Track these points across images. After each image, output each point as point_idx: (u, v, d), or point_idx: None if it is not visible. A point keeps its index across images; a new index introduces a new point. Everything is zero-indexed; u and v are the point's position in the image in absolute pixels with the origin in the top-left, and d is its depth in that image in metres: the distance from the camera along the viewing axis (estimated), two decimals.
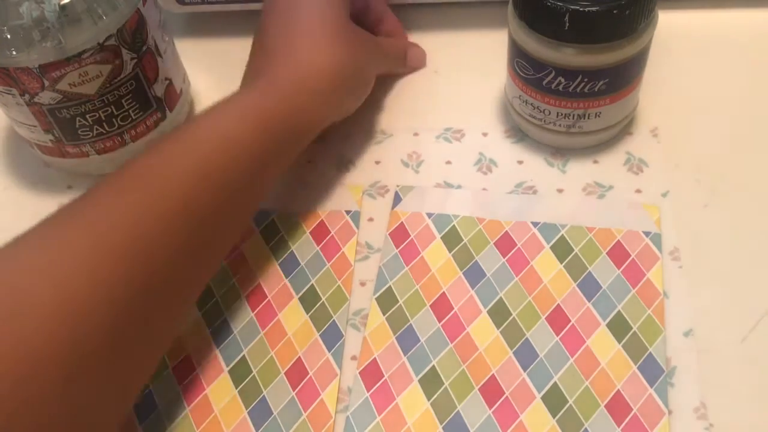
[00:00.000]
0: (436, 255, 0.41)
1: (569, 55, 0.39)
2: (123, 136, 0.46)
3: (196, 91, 0.52)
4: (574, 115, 0.42)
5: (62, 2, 0.39)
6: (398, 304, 0.40)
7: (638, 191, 0.43)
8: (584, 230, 0.41)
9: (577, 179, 0.44)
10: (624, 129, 0.45)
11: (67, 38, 0.40)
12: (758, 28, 0.51)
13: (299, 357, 0.38)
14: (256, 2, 0.54)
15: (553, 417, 0.35)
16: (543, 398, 0.36)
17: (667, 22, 0.45)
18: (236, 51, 0.55)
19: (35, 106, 0.42)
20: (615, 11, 0.37)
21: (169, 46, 0.47)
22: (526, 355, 0.37)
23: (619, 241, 0.40)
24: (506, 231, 0.42)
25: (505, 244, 0.41)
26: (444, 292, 0.40)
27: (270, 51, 0.43)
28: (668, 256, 0.40)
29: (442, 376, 0.37)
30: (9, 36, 0.39)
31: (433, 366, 0.37)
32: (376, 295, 0.40)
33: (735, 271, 0.39)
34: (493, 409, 0.36)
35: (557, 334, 0.38)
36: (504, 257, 0.41)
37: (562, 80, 0.41)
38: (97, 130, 0.44)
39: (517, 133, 0.47)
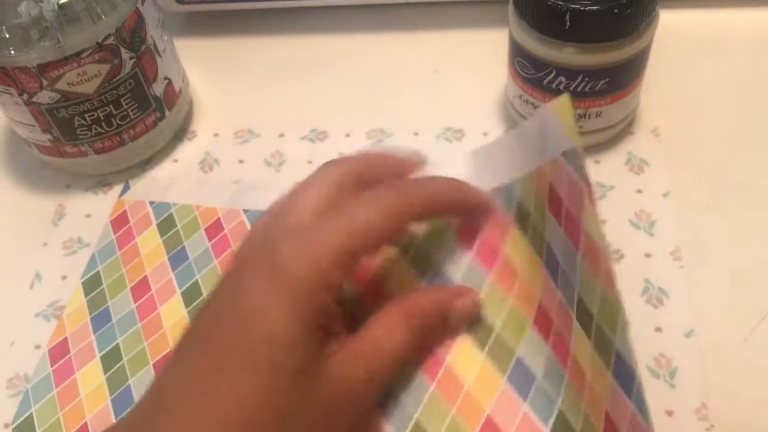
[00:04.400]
0: (148, 241, 0.43)
1: (570, 55, 0.39)
2: (122, 136, 0.45)
3: (195, 90, 0.52)
4: (574, 115, 0.42)
5: (61, 1, 0.39)
6: (101, 287, 0.41)
7: (639, 191, 0.43)
8: None
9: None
10: (625, 129, 0.45)
11: (66, 37, 0.40)
12: (758, 28, 0.51)
13: None
14: (254, 1, 0.54)
15: None
16: None
17: (668, 21, 0.45)
18: (235, 50, 0.55)
19: (34, 106, 0.42)
20: (616, 10, 0.37)
21: (168, 45, 0.47)
22: None
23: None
24: (219, 217, 0.43)
25: (214, 230, 0.43)
26: (146, 275, 0.41)
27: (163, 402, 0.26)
28: (669, 256, 0.40)
29: (123, 352, 0.39)
30: (7, 35, 0.39)
31: (117, 343, 0.39)
32: (83, 279, 0.42)
33: (736, 271, 0.39)
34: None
35: None
36: (210, 242, 0.42)
37: (563, 80, 0.40)
38: (95, 129, 0.44)
39: None
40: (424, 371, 0.31)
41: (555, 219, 0.30)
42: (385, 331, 0.29)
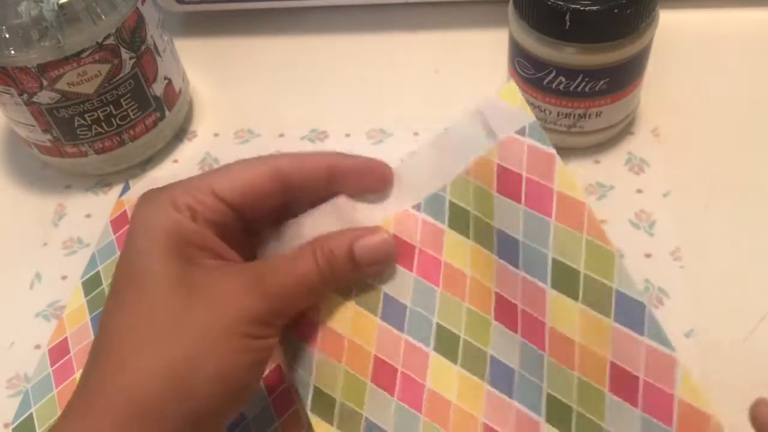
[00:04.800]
0: None
1: (570, 55, 0.39)
2: (122, 136, 0.45)
3: (195, 90, 0.52)
4: (574, 115, 0.42)
5: (61, 1, 0.39)
6: (101, 287, 0.41)
7: (639, 191, 0.43)
8: None
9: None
10: (625, 129, 0.45)
11: (66, 37, 0.40)
12: (758, 28, 0.51)
13: None
14: (254, 1, 0.54)
15: None
16: None
17: (668, 21, 0.45)
18: (235, 49, 0.55)
19: (34, 106, 0.42)
20: (616, 10, 0.37)
21: (168, 45, 0.47)
22: None
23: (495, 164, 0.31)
24: None
25: None
26: None
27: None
28: (669, 256, 0.40)
29: None
30: (7, 35, 0.39)
31: None
32: (84, 279, 0.42)
33: (736, 270, 0.39)
34: None
35: None
36: None
37: (563, 80, 0.40)
38: (95, 129, 0.44)
39: None
40: (410, 403, 0.30)
41: (510, 198, 0.29)
42: (289, 258, 0.30)
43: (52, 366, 0.39)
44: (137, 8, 0.42)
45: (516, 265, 0.29)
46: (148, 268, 0.27)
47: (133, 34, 0.43)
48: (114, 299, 0.28)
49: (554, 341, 0.28)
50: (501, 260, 0.30)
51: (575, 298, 0.28)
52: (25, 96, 0.42)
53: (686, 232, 0.41)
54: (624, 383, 0.27)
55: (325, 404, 0.31)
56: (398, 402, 0.30)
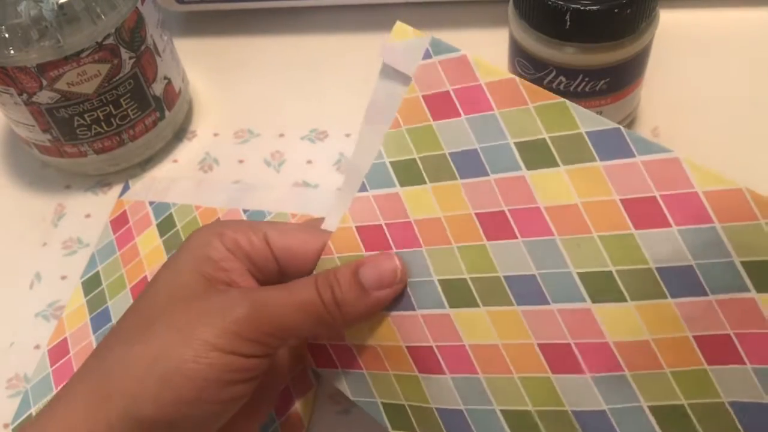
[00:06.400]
0: (148, 241, 0.43)
1: (570, 55, 0.39)
2: (121, 136, 0.45)
3: (194, 90, 0.52)
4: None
5: (60, 1, 0.39)
6: (101, 287, 0.42)
7: None
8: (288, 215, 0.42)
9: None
10: None
11: (66, 37, 0.40)
12: (758, 28, 0.51)
13: None
14: (254, 1, 0.54)
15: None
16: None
17: (668, 21, 0.45)
18: (235, 49, 0.55)
19: (33, 106, 0.42)
20: (616, 10, 0.37)
21: (168, 45, 0.47)
22: None
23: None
24: (218, 218, 0.43)
25: None
26: (146, 276, 0.41)
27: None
28: None
29: None
30: (7, 35, 0.39)
31: None
32: (83, 279, 0.42)
33: None
34: None
35: None
36: None
37: (563, 80, 0.40)
38: (95, 129, 0.44)
39: None
40: (462, 370, 0.28)
41: (448, 119, 0.29)
42: (289, 285, 0.29)
43: (51, 366, 0.39)
44: (137, 8, 0.42)
45: (542, 300, 0.27)
46: (178, 276, 0.30)
47: (133, 34, 0.43)
48: (145, 290, 0.30)
49: (623, 352, 0.26)
50: (517, 306, 0.28)
51: (623, 298, 0.26)
52: (25, 96, 0.42)
53: None
54: (717, 347, 0.25)
55: (399, 415, 0.30)
56: (452, 377, 0.29)
